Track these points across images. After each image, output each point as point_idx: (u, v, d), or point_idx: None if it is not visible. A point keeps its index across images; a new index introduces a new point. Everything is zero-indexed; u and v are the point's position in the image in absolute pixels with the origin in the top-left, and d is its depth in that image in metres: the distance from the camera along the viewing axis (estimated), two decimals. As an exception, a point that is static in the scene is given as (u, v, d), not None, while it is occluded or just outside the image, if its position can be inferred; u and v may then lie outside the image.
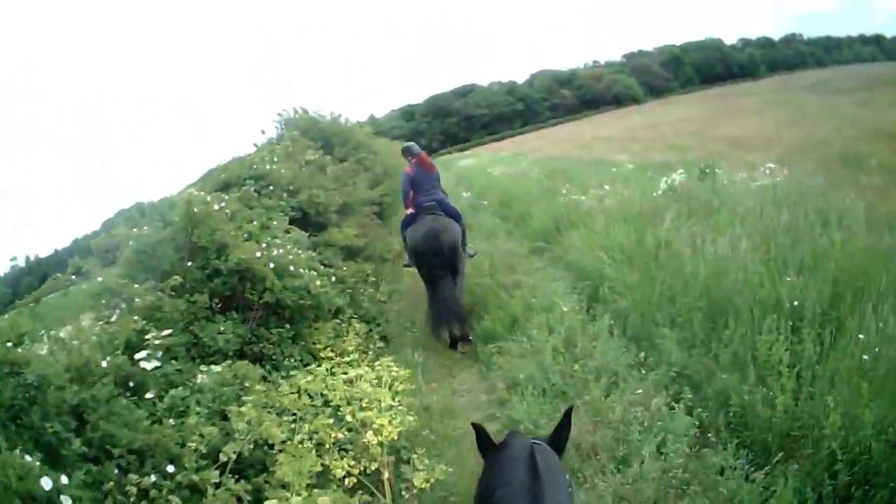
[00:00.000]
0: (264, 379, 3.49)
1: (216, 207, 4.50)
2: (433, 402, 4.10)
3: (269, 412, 2.89)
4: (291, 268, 4.52)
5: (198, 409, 2.89)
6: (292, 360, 4.12)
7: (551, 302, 4.78)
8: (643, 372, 3.55)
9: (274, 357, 4.10)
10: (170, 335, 3.33)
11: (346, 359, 3.67)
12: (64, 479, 2.14)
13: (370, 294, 6.28)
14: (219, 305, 4.20)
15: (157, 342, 3.19)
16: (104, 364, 2.83)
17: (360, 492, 2.75)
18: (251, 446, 2.73)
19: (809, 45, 78.83)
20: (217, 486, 2.49)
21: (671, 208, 5.91)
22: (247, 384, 3.23)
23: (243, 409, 2.79)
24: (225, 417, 2.89)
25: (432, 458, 3.02)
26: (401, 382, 3.36)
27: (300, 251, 5.05)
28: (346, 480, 2.80)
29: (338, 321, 5.06)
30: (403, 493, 2.91)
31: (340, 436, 2.95)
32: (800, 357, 3.10)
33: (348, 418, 2.97)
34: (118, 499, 2.29)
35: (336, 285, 5.26)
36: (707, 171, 7.50)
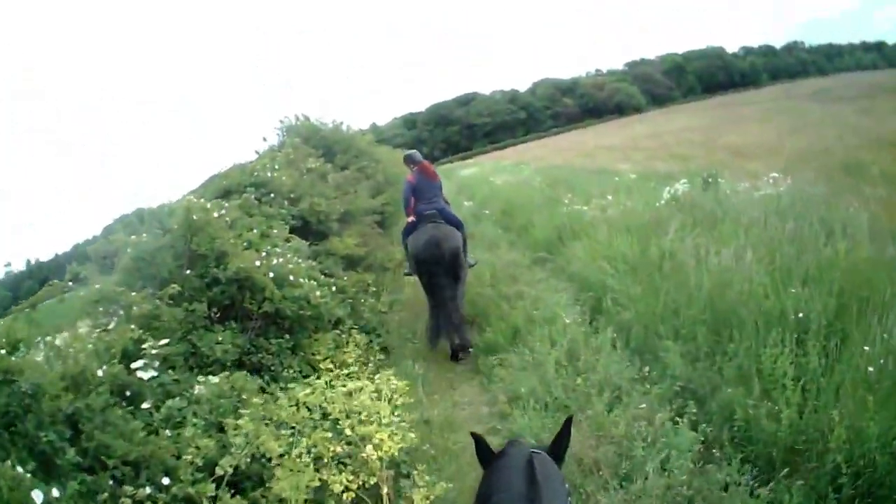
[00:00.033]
0: (262, 391, 3.45)
1: (216, 215, 4.46)
2: (434, 415, 4.06)
3: (266, 425, 2.86)
4: (291, 277, 4.47)
5: (195, 420, 2.85)
6: (291, 371, 4.07)
7: (553, 313, 4.74)
8: (647, 386, 3.50)
9: (273, 368, 4.05)
10: (167, 344, 3.29)
11: (346, 371, 3.64)
12: (55, 493, 2.11)
13: (371, 304, 6.22)
14: (217, 315, 4.15)
15: (154, 351, 3.15)
16: (100, 373, 2.79)
17: (358, 507, 2.71)
18: (248, 460, 2.69)
19: (811, 52, 79.26)
20: (213, 499, 2.46)
21: (675, 218, 5.85)
22: (244, 396, 3.19)
23: (241, 421, 2.77)
24: (222, 430, 2.86)
25: (432, 474, 2.98)
26: (401, 395, 3.32)
27: (300, 260, 5.00)
28: (345, 495, 2.76)
29: (338, 332, 5.00)
30: (402, 508, 2.86)
31: (339, 450, 2.91)
32: (805, 370, 3.06)
33: (347, 432, 2.93)
34: (112, 510, 2.25)
35: (336, 295, 5.20)
36: (710, 180, 7.46)
